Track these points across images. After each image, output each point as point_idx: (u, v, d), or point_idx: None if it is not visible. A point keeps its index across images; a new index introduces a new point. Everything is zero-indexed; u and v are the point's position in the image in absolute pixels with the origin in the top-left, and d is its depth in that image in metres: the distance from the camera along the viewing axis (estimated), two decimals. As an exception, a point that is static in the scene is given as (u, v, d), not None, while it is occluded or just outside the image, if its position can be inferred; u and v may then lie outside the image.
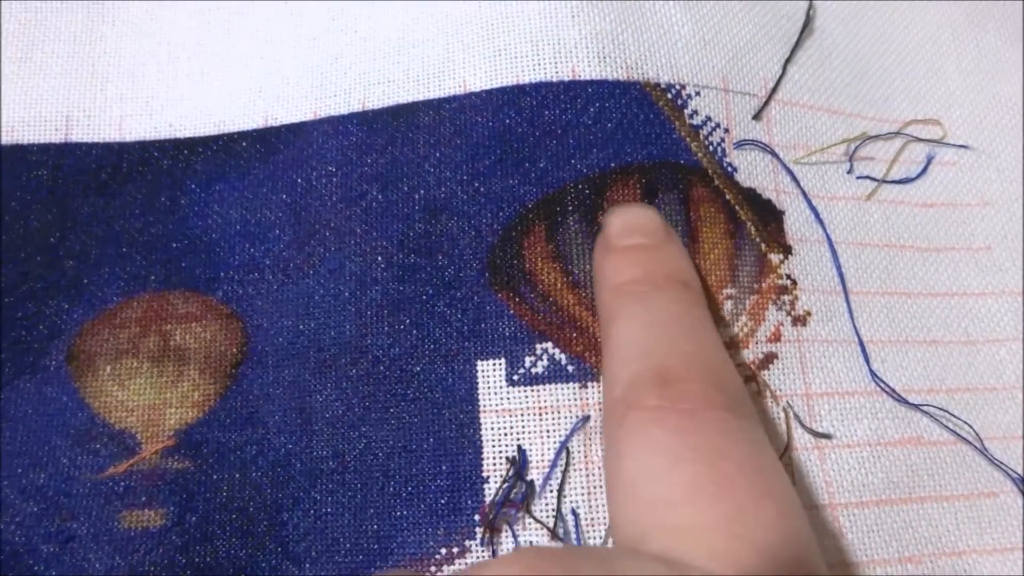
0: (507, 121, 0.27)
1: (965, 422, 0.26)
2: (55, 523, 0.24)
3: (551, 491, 0.24)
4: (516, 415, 0.24)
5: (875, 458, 0.26)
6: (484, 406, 0.25)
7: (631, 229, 0.24)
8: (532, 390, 0.25)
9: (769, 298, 0.26)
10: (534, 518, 0.23)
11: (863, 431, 0.26)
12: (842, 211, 0.28)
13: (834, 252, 0.27)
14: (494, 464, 0.24)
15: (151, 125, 0.29)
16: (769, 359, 0.26)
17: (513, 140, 0.27)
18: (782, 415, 0.25)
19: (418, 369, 0.25)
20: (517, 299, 0.25)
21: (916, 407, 0.26)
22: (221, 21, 0.31)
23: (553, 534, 0.23)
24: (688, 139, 0.27)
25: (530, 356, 0.25)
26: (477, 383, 0.25)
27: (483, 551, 0.23)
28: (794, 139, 0.29)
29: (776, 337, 0.26)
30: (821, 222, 0.28)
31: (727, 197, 0.27)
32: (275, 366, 0.26)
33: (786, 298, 0.27)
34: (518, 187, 0.26)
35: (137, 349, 0.26)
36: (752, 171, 0.28)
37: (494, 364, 0.25)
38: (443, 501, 0.24)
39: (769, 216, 0.27)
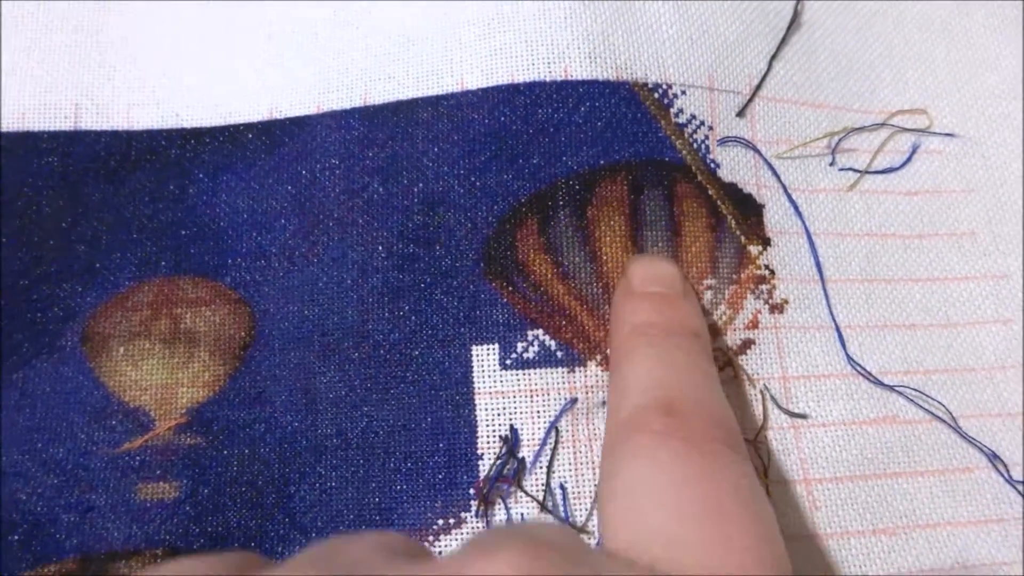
0: (502, 119, 0.28)
1: (939, 402, 0.28)
2: (75, 495, 0.26)
3: (541, 467, 0.25)
4: (508, 397, 0.26)
5: (849, 436, 0.27)
6: (479, 388, 0.26)
7: (653, 278, 0.26)
8: (524, 374, 0.26)
9: (747, 288, 0.28)
10: (525, 492, 0.25)
11: (838, 411, 0.27)
12: (823, 203, 0.30)
13: (811, 242, 0.29)
14: (488, 442, 0.26)
15: (158, 114, 0.30)
16: (747, 345, 0.27)
17: (508, 137, 0.28)
18: (759, 397, 0.27)
19: (416, 353, 0.27)
20: (510, 288, 0.27)
21: (891, 388, 0.28)
22: (224, 14, 0.32)
23: (543, 507, 0.25)
24: (673, 137, 0.28)
25: (522, 342, 0.26)
26: (472, 367, 0.26)
27: (477, 522, 0.25)
28: (777, 134, 0.30)
29: (754, 324, 0.27)
30: (800, 215, 0.29)
31: (709, 192, 0.28)
32: (281, 349, 0.27)
33: (764, 287, 0.28)
34: (512, 182, 0.27)
35: (149, 331, 0.27)
36: (735, 167, 0.29)
37: (488, 349, 0.26)
38: (440, 476, 0.25)
39: (750, 210, 0.28)
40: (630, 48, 0.29)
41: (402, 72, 0.30)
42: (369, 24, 0.30)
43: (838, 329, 0.28)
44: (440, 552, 0.24)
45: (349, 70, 0.30)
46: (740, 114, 0.29)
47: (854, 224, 0.30)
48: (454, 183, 0.28)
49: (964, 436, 0.28)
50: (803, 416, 0.27)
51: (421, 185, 0.28)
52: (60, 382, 0.27)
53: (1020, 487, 0.27)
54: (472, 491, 0.25)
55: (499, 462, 0.25)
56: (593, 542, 0.25)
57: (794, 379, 0.27)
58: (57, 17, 0.31)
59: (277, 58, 0.31)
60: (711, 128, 0.29)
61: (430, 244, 0.27)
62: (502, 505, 0.25)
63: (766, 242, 0.28)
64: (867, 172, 0.30)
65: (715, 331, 0.27)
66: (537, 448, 0.25)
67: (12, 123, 0.30)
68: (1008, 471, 0.27)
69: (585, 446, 0.26)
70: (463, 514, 0.25)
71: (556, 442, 0.25)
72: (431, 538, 0.25)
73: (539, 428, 0.26)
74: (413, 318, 0.27)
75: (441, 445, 0.26)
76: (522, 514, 0.25)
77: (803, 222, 0.29)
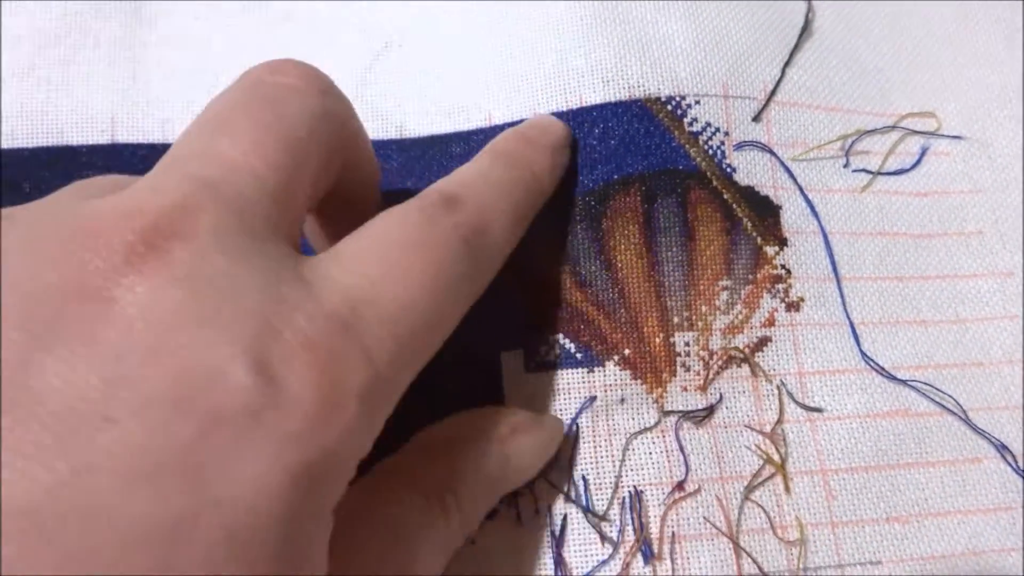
0: None
1: (949, 395, 0.29)
2: None
3: (563, 460, 0.27)
4: (534, 397, 0.28)
5: (864, 428, 0.28)
6: (508, 390, 0.28)
7: (536, 125, 0.28)
8: (546, 375, 0.28)
9: (764, 287, 0.29)
10: (550, 482, 0.27)
11: (853, 405, 0.29)
12: (838, 203, 0.31)
13: (827, 242, 0.30)
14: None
15: None
16: (763, 342, 0.29)
17: None
18: (776, 392, 0.28)
19: (449, 361, 0.28)
20: (533, 297, 0.28)
21: (904, 382, 0.29)
22: (256, 34, 0.32)
23: (566, 496, 0.26)
24: (687, 146, 0.29)
25: (544, 345, 0.28)
26: (501, 370, 0.28)
27: (508, 511, 0.26)
28: (792, 137, 0.31)
29: (770, 322, 0.29)
30: (816, 214, 0.30)
31: (725, 197, 0.29)
32: None
33: (780, 286, 0.29)
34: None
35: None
36: (751, 170, 0.30)
37: (514, 354, 0.28)
38: None
39: (766, 211, 0.30)
40: (643, 66, 0.30)
41: (432, 106, 0.31)
42: (401, 56, 0.32)
43: (852, 326, 0.29)
44: (474, 542, 0.26)
45: (385, 98, 0.32)
46: (756, 119, 0.31)
47: (867, 224, 0.31)
48: None
49: (974, 427, 0.29)
50: (819, 410, 0.28)
51: None
52: None
53: None
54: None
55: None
56: (614, 532, 0.26)
57: (810, 374, 0.29)
58: (92, 33, 0.32)
59: None
60: (727, 134, 0.30)
61: None
62: (529, 495, 0.27)
63: (783, 242, 0.30)
64: (879, 173, 0.32)
65: (732, 329, 0.29)
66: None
67: (52, 138, 0.31)
68: (1016, 461, 0.29)
69: (605, 440, 0.27)
70: (496, 505, 0.26)
71: (577, 437, 0.27)
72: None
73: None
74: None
75: None
76: (548, 505, 0.27)
77: (819, 222, 0.30)
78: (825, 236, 0.30)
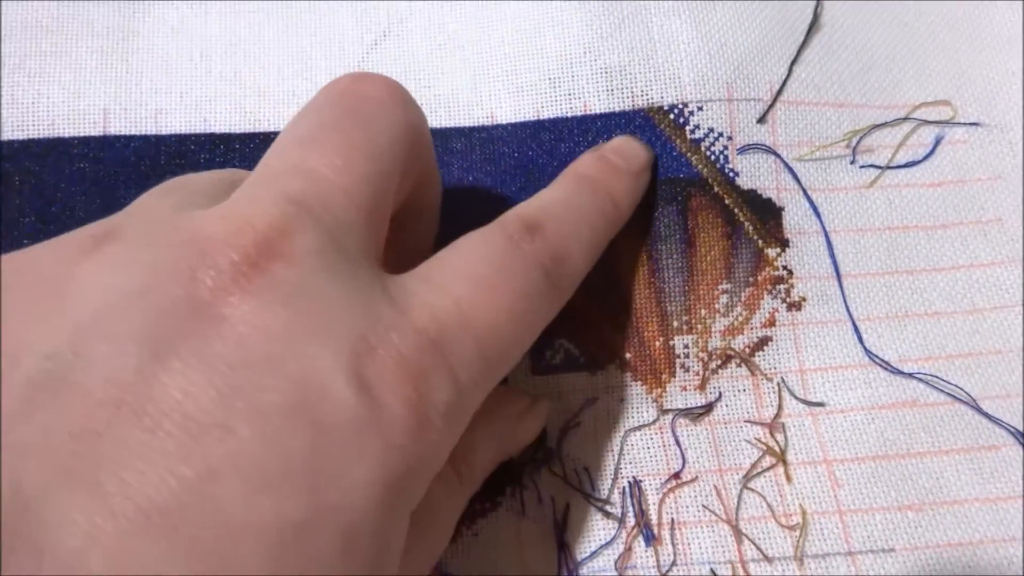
0: (529, 153, 0.31)
1: (957, 386, 0.29)
2: None
3: (566, 455, 0.29)
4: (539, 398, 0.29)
5: (869, 420, 0.29)
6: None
7: (618, 150, 0.29)
8: (552, 378, 0.29)
9: (764, 288, 0.30)
10: (553, 473, 0.28)
11: (856, 398, 0.29)
12: (843, 201, 0.31)
13: (828, 240, 0.30)
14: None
15: (186, 120, 0.31)
16: (763, 342, 0.29)
17: (535, 170, 0.30)
18: (775, 389, 0.29)
19: None
20: None
21: (909, 375, 0.29)
22: (252, 24, 0.32)
23: (567, 482, 0.28)
24: (689, 154, 0.30)
25: (549, 350, 0.29)
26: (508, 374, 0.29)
27: (513, 502, 0.28)
28: (799, 137, 0.31)
29: (771, 322, 0.30)
30: (818, 214, 0.31)
31: (726, 202, 0.30)
32: None
33: (781, 287, 0.30)
34: None
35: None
36: (754, 173, 0.31)
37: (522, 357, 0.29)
38: None
39: (768, 214, 0.30)
40: (647, 74, 0.31)
41: (434, 100, 0.32)
42: (397, 48, 0.32)
43: (854, 323, 0.30)
44: (477, 535, 0.28)
45: None
46: (761, 120, 0.31)
47: (875, 219, 0.31)
48: (489, 209, 0.29)
49: (987, 415, 0.29)
50: (820, 404, 0.29)
51: (458, 210, 0.30)
52: None
53: None
54: (507, 478, 0.29)
55: (531, 451, 0.29)
56: (616, 516, 0.28)
57: (811, 371, 0.29)
58: (84, 23, 0.32)
59: (306, 71, 0.32)
60: (730, 138, 0.30)
61: None
62: (533, 486, 0.28)
63: (784, 244, 0.30)
64: (888, 167, 0.31)
65: (732, 331, 0.30)
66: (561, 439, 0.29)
67: (43, 130, 0.30)
68: (1037, 448, 0.28)
69: (605, 437, 0.29)
70: (499, 498, 0.28)
71: (579, 434, 0.29)
72: (468, 520, 0.28)
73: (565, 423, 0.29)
74: None
75: None
76: (552, 495, 0.28)
77: (820, 221, 0.31)
78: (826, 234, 0.31)
